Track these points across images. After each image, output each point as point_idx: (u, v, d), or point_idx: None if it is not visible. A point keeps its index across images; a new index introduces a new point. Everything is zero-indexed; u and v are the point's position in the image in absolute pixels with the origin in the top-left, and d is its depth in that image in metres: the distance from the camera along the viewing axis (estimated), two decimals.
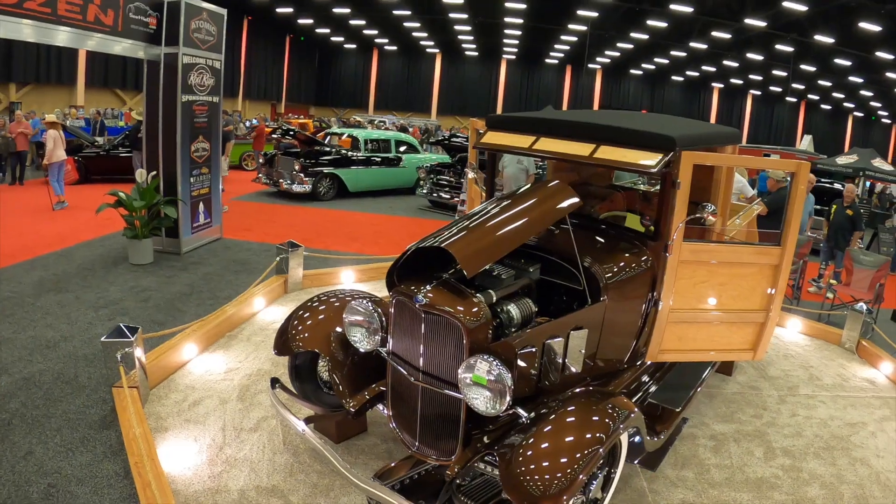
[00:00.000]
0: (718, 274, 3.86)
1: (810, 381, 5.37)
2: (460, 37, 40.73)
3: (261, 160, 15.63)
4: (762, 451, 4.18)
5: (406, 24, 37.58)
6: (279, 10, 35.16)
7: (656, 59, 40.32)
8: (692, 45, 32.50)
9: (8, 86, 23.81)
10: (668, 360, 4.14)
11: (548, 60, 45.28)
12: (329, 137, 16.47)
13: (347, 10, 33.90)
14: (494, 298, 3.08)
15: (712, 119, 46.11)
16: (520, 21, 33.26)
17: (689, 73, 43.39)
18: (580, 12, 29.44)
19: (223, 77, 9.03)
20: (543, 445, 2.60)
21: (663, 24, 29.42)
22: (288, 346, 3.59)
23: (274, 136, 18.02)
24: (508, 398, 2.69)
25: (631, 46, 36.18)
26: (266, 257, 8.35)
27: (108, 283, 6.95)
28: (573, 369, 3.26)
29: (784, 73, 35.90)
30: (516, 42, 40.80)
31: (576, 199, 3.49)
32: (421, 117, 42.42)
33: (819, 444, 4.32)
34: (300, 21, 38.52)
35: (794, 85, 38.94)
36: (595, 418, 2.77)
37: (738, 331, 4.10)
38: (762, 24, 26.42)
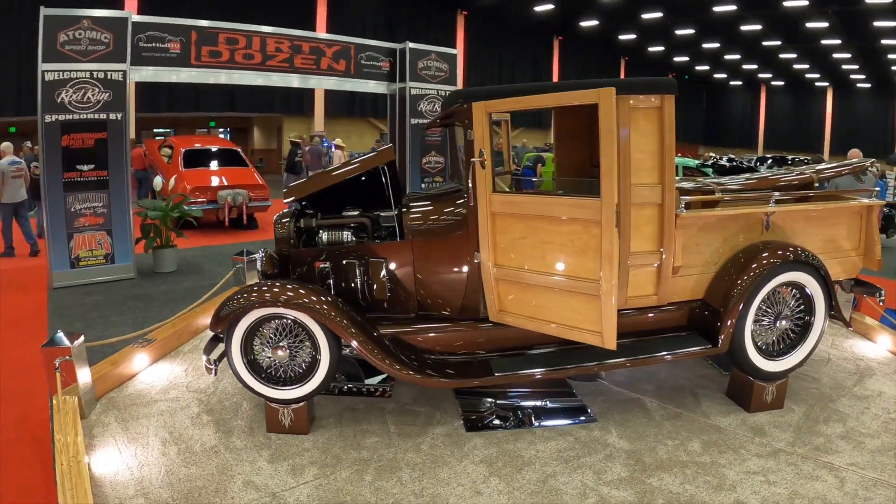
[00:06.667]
0: (539, 230, 3.50)
1: (871, 454, 3.52)
2: (844, 66, 35.45)
3: None
4: (624, 473, 3.27)
5: (782, 56, 34.63)
6: (651, 48, 36.43)
7: None
8: None
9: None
10: (511, 324, 3.77)
11: None
12: None
13: (717, 45, 33.17)
14: (314, 223, 4.10)
15: None
16: None
17: None
18: None
19: None
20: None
21: None
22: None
23: None
24: (259, 278, 3.92)
25: None
26: None
27: None
28: (385, 291, 3.86)
29: None
30: None
31: (388, 156, 4.13)
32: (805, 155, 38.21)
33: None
34: (675, 59, 38.99)
35: None
36: (286, 293, 3.46)
37: (577, 304, 3.49)
38: None
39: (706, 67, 41.44)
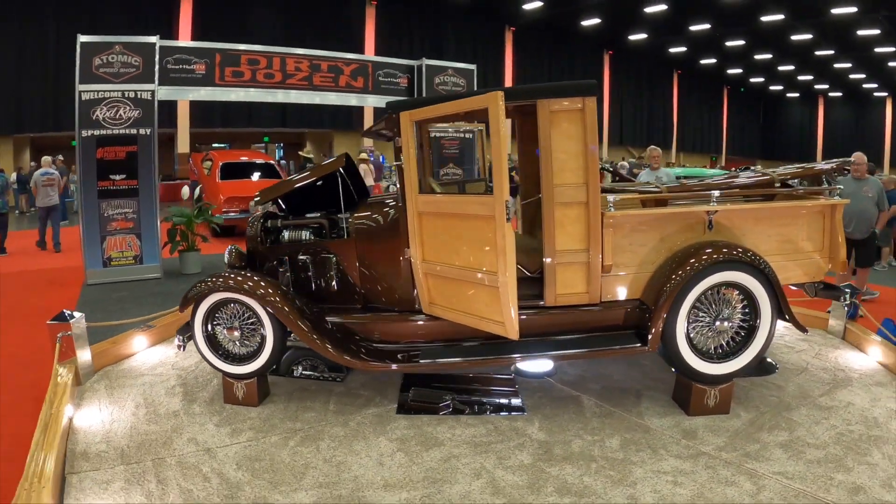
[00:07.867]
0: (455, 227, 3.79)
1: (806, 465, 3.33)
2: None
3: None
4: (527, 461, 3.39)
5: (837, 66, 33.58)
6: (702, 61, 35.94)
7: None
8: None
9: None
10: (440, 315, 4.05)
11: None
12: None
13: (769, 56, 32.50)
14: (279, 223, 4.64)
15: None
16: None
17: None
18: None
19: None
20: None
21: None
22: None
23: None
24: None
25: None
26: None
27: None
28: (335, 284, 4.33)
29: None
30: None
31: (338, 163, 4.58)
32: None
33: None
34: (729, 71, 38.31)
35: None
36: (240, 282, 3.99)
37: (485, 296, 3.71)
38: None
39: (761, 79, 40.54)
